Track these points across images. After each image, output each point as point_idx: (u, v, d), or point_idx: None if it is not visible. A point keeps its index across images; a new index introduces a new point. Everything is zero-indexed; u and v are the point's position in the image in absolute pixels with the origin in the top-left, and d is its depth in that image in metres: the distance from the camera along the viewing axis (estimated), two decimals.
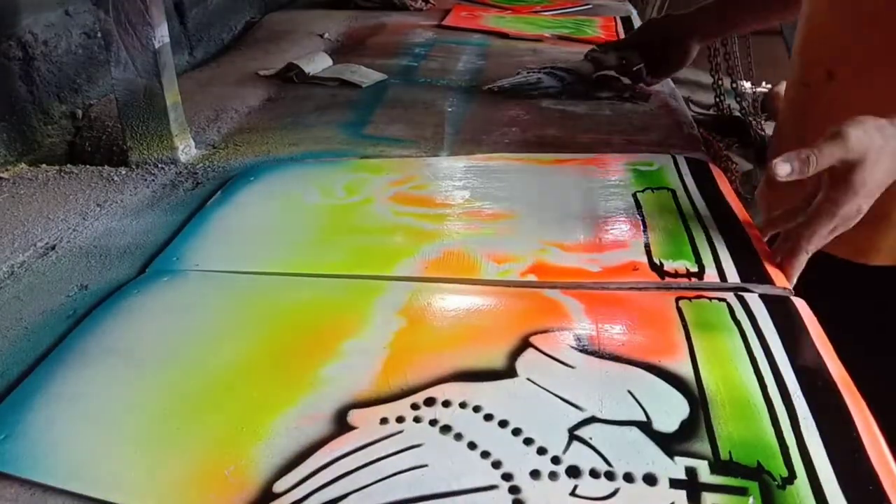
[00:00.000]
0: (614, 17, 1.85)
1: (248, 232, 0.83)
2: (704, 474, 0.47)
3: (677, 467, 0.47)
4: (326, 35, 1.73)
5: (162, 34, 0.99)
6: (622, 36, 1.67)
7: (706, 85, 3.77)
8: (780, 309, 0.64)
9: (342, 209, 0.87)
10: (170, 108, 1.02)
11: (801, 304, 0.65)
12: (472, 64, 1.53)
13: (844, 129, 0.66)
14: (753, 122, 3.21)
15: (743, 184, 2.88)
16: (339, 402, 0.54)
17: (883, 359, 0.83)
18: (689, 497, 0.45)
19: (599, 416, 0.52)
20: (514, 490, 0.46)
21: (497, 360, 0.58)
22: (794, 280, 0.71)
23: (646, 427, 0.51)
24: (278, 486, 0.47)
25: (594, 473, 0.47)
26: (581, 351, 0.59)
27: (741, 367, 0.57)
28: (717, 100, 3.42)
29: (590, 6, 2.07)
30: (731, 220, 0.80)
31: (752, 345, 0.59)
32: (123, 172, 1.02)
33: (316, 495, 0.46)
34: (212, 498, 0.46)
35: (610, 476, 0.47)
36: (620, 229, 0.79)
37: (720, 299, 0.65)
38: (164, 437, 0.52)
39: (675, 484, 0.46)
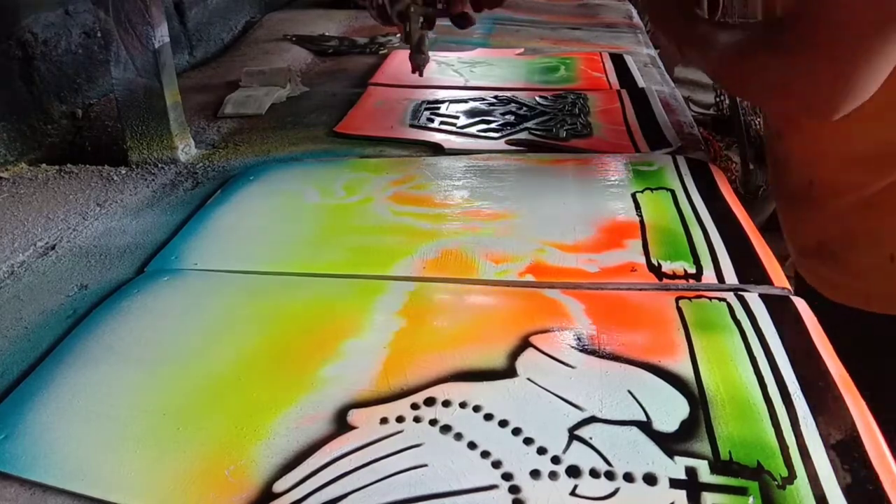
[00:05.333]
0: (600, 54, 1.53)
1: (248, 231, 0.83)
2: (704, 474, 0.47)
3: (677, 467, 0.47)
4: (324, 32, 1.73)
5: (162, 34, 0.99)
6: (610, 75, 1.39)
7: (706, 85, 3.77)
8: (780, 308, 0.64)
9: (341, 209, 0.87)
10: (170, 108, 1.02)
11: (801, 304, 0.65)
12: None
13: None
14: (753, 122, 3.21)
15: (743, 184, 2.88)
16: (339, 402, 0.54)
17: None
18: (689, 497, 0.45)
19: (599, 415, 0.52)
20: (514, 490, 0.46)
21: (497, 359, 0.58)
22: None
23: (646, 427, 0.51)
24: (278, 486, 0.47)
25: (594, 473, 0.47)
26: (581, 351, 0.59)
27: (741, 367, 0.56)
28: (717, 100, 3.43)
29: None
30: (731, 221, 0.80)
31: (752, 345, 0.59)
32: (123, 172, 1.02)
33: (316, 495, 0.46)
34: (212, 498, 0.46)
35: (610, 476, 0.47)
36: (619, 230, 0.79)
37: (720, 299, 0.65)
38: (164, 436, 0.52)
39: (675, 484, 0.46)
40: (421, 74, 1.06)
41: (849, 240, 0.84)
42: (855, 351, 0.61)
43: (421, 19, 0.98)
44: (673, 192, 0.87)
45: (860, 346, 0.67)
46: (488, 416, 0.52)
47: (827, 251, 0.86)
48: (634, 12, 2.05)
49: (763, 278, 0.69)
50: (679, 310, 0.64)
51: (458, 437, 0.51)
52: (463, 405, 0.53)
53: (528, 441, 0.50)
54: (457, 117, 1.16)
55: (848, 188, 0.82)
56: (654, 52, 1.64)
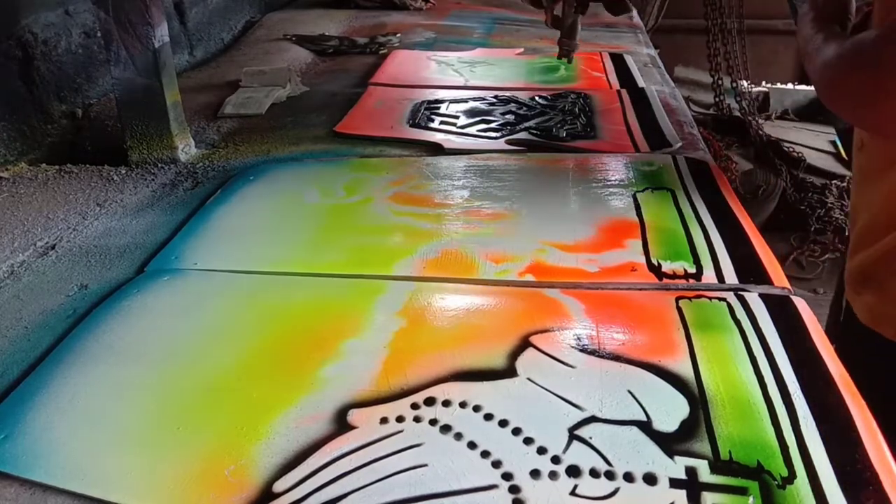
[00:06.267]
0: (600, 54, 1.54)
1: (248, 231, 0.83)
2: (704, 474, 0.47)
3: (677, 467, 0.47)
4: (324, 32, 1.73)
5: (162, 34, 0.99)
6: (610, 75, 1.41)
7: (706, 85, 3.76)
8: (780, 308, 0.64)
9: (341, 209, 0.86)
10: (170, 108, 1.02)
11: (801, 304, 0.65)
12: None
13: None
14: (753, 122, 3.21)
15: (743, 184, 2.87)
16: (339, 402, 0.54)
17: None
18: (689, 497, 0.45)
19: (599, 415, 0.52)
20: (514, 489, 0.46)
21: (497, 359, 0.58)
22: None
23: (646, 427, 0.51)
24: (278, 486, 0.47)
25: (594, 473, 0.47)
26: (581, 351, 0.59)
27: (741, 367, 0.57)
28: (717, 99, 3.42)
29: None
30: (731, 221, 0.80)
31: (752, 344, 0.59)
32: (123, 172, 1.02)
33: (316, 495, 0.46)
34: (212, 498, 0.46)
35: (610, 475, 0.47)
36: (619, 230, 0.79)
37: (720, 299, 0.65)
38: (164, 436, 0.52)
39: (675, 483, 0.46)
40: (570, 61, 1.03)
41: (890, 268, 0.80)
42: None
43: (575, 4, 1.00)
44: (673, 192, 0.87)
45: None
46: (488, 416, 0.52)
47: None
48: (634, 12, 2.04)
49: (763, 278, 0.69)
50: (679, 310, 0.64)
51: (458, 436, 0.51)
52: (463, 405, 0.53)
53: (528, 441, 0.50)
54: (457, 117, 1.16)
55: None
56: (654, 52, 1.64)
